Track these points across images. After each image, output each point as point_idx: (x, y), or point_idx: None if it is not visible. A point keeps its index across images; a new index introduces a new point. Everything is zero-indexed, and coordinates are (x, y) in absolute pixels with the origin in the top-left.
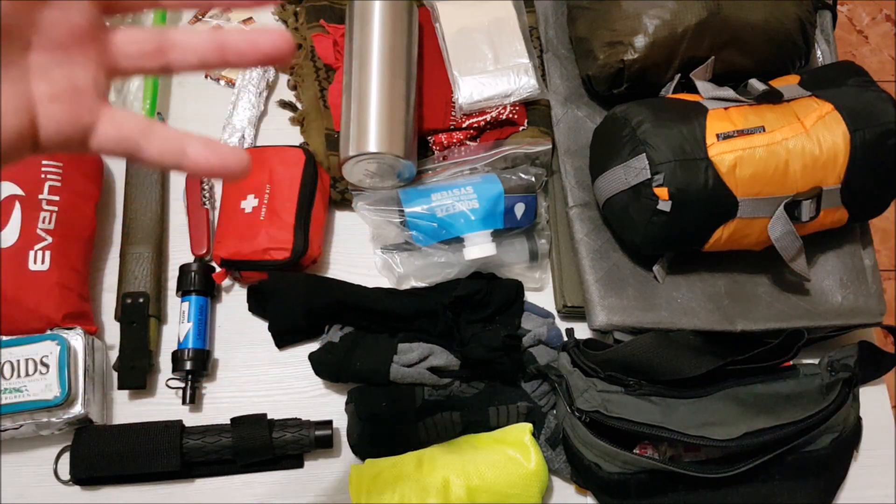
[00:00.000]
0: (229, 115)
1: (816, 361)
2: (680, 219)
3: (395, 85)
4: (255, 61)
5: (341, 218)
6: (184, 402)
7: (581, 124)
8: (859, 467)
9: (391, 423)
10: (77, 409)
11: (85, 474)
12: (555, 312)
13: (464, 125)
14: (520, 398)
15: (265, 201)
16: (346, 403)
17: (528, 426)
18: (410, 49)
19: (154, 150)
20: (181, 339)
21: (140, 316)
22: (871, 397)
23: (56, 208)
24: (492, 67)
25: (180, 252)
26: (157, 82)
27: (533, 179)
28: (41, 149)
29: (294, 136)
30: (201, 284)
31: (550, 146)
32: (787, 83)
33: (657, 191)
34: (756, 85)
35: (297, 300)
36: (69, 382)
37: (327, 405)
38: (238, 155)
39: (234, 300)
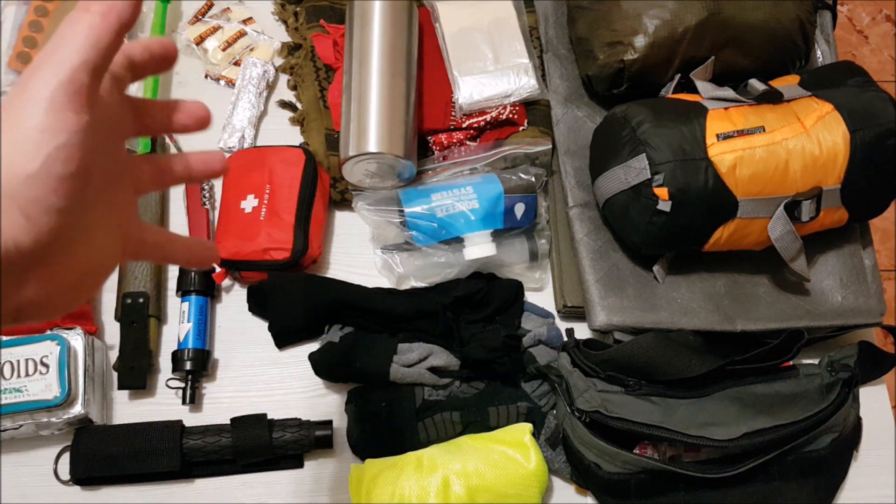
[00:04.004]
0: (229, 115)
1: (816, 361)
2: (680, 219)
3: (395, 85)
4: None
5: (341, 218)
6: (184, 402)
7: (581, 124)
8: (859, 467)
9: (391, 423)
10: (77, 409)
11: (85, 474)
12: (555, 312)
13: (464, 125)
14: (520, 398)
15: (265, 201)
16: (346, 403)
17: (528, 426)
18: (410, 49)
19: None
20: (181, 339)
21: (140, 316)
22: (871, 397)
23: None
24: (492, 67)
25: None
26: (157, 81)
27: (533, 179)
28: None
29: (294, 136)
30: (201, 284)
31: (550, 146)
32: (787, 83)
33: (657, 191)
34: (756, 85)
35: (297, 300)
36: (69, 382)
37: (327, 405)
38: None
39: (234, 300)
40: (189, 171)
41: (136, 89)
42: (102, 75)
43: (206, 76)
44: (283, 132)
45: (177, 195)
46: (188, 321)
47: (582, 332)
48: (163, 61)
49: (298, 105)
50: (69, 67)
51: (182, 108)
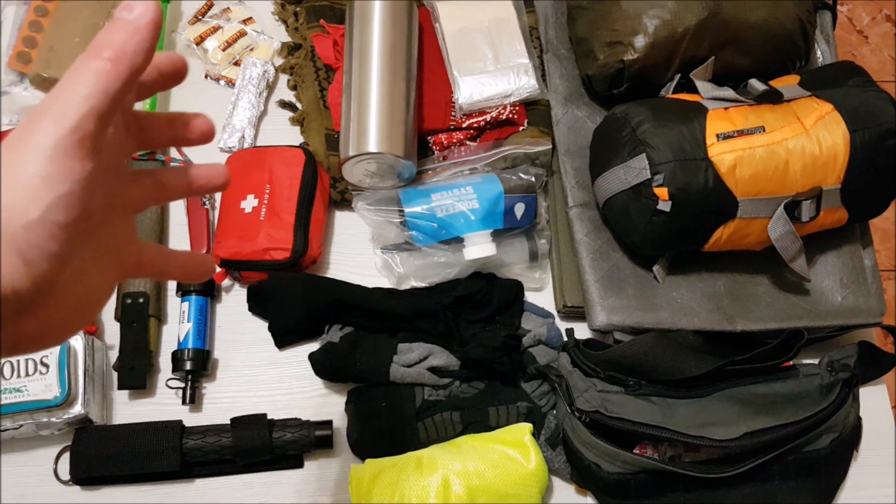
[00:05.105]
0: (229, 115)
1: (816, 361)
2: (680, 219)
3: (395, 85)
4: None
5: (341, 218)
6: (184, 402)
7: (581, 124)
8: (859, 467)
9: (391, 423)
10: (77, 409)
11: (85, 474)
12: (555, 312)
13: (464, 125)
14: (520, 398)
15: (265, 201)
16: (346, 403)
17: (528, 426)
18: (410, 49)
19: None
20: (181, 339)
21: (140, 316)
22: (871, 397)
23: None
24: (492, 67)
25: None
26: None
27: (533, 179)
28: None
29: (294, 136)
30: (201, 284)
31: (550, 146)
32: (787, 83)
33: (657, 191)
34: (756, 85)
35: (297, 300)
36: (69, 382)
37: (327, 405)
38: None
39: (234, 300)
40: (190, 184)
41: None
42: (110, 121)
43: (206, 76)
44: (283, 132)
45: None
46: (188, 321)
47: (582, 332)
48: (172, 77)
49: (298, 105)
50: (76, 115)
51: (186, 121)
